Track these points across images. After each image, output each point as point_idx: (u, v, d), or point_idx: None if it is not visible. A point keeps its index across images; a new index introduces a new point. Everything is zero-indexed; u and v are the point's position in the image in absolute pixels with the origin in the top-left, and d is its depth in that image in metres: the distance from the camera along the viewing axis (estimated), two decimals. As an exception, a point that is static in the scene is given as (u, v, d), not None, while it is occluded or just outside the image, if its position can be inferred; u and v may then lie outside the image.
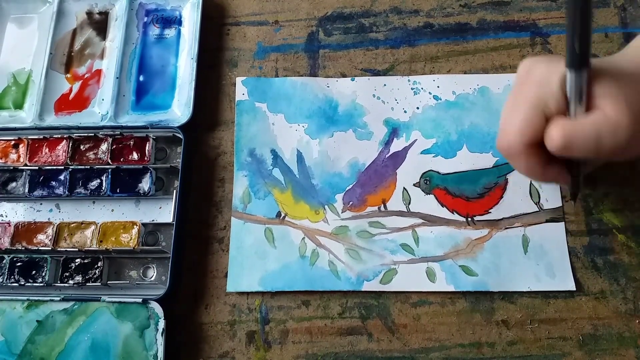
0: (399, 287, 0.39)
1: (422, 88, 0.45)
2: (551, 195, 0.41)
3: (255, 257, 0.41)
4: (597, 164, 0.38)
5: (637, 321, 0.38)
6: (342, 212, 0.42)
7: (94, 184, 0.43)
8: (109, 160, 0.43)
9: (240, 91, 0.46)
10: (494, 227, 0.41)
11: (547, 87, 0.31)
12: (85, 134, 0.44)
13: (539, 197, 0.41)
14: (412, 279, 0.40)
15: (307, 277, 0.40)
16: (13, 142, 0.44)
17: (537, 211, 0.41)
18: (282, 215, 0.42)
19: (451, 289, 0.39)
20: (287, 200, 0.42)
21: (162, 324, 0.38)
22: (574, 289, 0.39)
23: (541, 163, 0.33)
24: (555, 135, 0.31)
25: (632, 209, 0.41)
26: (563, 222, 0.41)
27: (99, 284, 0.40)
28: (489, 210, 0.41)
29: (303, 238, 0.41)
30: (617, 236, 0.40)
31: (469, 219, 0.41)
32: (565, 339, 0.38)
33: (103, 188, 0.42)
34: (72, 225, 0.42)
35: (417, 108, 0.44)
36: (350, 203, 0.42)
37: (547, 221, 0.41)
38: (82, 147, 0.44)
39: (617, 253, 0.40)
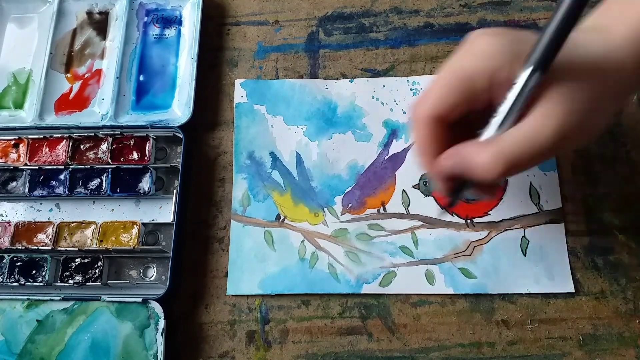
0: (398, 289, 0.40)
1: (421, 89, 0.45)
2: (551, 197, 0.41)
3: (255, 260, 0.41)
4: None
5: (637, 321, 0.38)
6: (341, 215, 0.42)
7: (94, 183, 0.43)
8: (109, 160, 0.43)
9: (239, 93, 0.45)
10: (494, 229, 0.41)
11: (482, 66, 0.27)
12: (86, 134, 0.44)
13: (539, 198, 0.41)
14: (412, 282, 0.40)
15: (307, 280, 0.40)
16: (13, 142, 0.44)
17: (536, 212, 0.41)
18: (282, 217, 0.42)
19: (450, 291, 0.39)
20: (287, 202, 0.42)
21: (162, 324, 0.38)
22: (573, 291, 0.39)
23: (438, 147, 0.30)
24: (485, 159, 0.27)
25: (632, 209, 0.41)
26: (563, 224, 0.41)
27: (99, 283, 0.40)
28: (489, 212, 0.41)
29: (302, 241, 0.41)
30: (617, 236, 0.40)
31: (469, 221, 0.41)
32: (565, 339, 0.38)
33: (103, 188, 0.42)
34: (72, 224, 0.42)
35: (417, 108, 0.44)
36: (350, 205, 0.42)
37: (546, 222, 0.41)
38: (82, 146, 0.44)
39: (617, 253, 0.40)
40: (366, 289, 0.40)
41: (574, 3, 0.25)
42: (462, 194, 0.32)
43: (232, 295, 0.40)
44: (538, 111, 0.27)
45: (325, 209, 0.42)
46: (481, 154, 0.27)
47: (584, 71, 0.28)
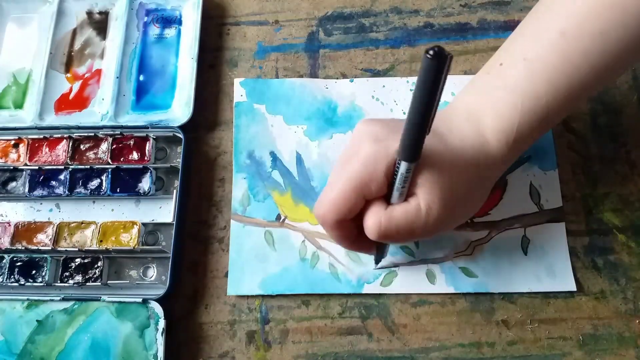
0: (399, 289, 0.39)
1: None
2: (551, 196, 0.41)
3: (256, 260, 0.41)
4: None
5: (637, 321, 0.38)
6: None
7: (94, 183, 0.43)
8: (109, 160, 0.43)
9: (239, 92, 0.45)
10: (494, 228, 0.41)
11: (374, 170, 0.31)
12: (85, 134, 0.44)
13: (539, 198, 0.41)
14: (412, 281, 0.40)
15: (308, 280, 0.40)
16: (13, 142, 0.44)
17: (537, 212, 0.41)
18: (282, 217, 0.42)
19: (451, 290, 0.39)
20: (287, 202, 0.42)
21: (162, 324, 0.38)
22: (575, 289, 0.39)
23: (351, 237, 0.34)
24: (371, 227, 0.31)
25: (632, 209, 0.41)
26: (564, 222, 0.41)
27: (99, 283, 0.40)
28: (489, 212, 0.41)
29: (303, 241, 0.41)
30: (617, 236, 0.40)
31: (469, 221, 0.41)
32: (565, 339, 0.38)
33: (103, 188, 0.42)
34: (72, 225, 0.42)
35: (417, 108, 0.44)
36: (350, 205, 0.42)
37: (547, 221, 0.41)
38: (82, 146, 0.44)
39: (617, 253, 0.40)
40: (367, 289, 0.40)
41: (422, 107, 0.26)
42: (386, 251, 0.38)
43: (232, 296, 0.40)
44: (415, 195, 0.31)
45: (326, 209, 0.42)
46: (369, 219, 0.32)
47: (455, 161, 0.32)
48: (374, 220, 0.31)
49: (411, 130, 0.27)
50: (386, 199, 0.32)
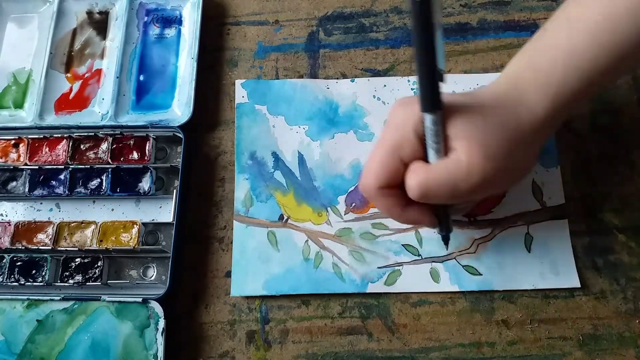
0: (403, 288, 0.39)
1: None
2: (554, 193, 0.41)
3: (259, 261, 0.41)
4: (466, 206, 0.40)
5: (637, 321, 0.38)
6: (344, 214, 0.42)
7: (94, 183, 0.43)
8: (109, 160, 0.43)
9: (240, 94, 0.45)
10: (497, 226, 0.41)
11: (403, 131, 0.31)
12: (86, 134, 0.44)
13: (542, 195, 0.41)
14: (416, 280, 0.40)
15: (312, 280, 0.40)
16: (13, 142, 0.44)
17: (540, 209, 0.41)
18: (285, 218, 0.42)
19: (455, 289, 0.39)
20: (290, 202, 0.42)
21: (162, 324, 0.38)
22: (579, 285, 0.39)
23: (400, 205, 0.33)
24: (412, 184, 0.31)
25: (632, 209, 0.41)
26: (567, 220, 0.41)
27: (99, 283, 0.40)
28: (492, 210, 0.41)
29: (306, 241, 0.41)
30: (617, 236, 0.40)
31: (472, 218, 0.41)
32: (565, 339, 0.38)
33: (103, 187, 0.42)
34: (72, 224, 0.42)
35: (418, 108, 0.44)
36: (353, 205, 0.42)
37: (550, 219, 0.41)
38: (82, 146, 0.44)
39: (617, 253, 0.40)
40: (371, 288, 0.40)
41: (423, 52, 0.26)
42: (450, 224, 0.36)
43: (232, 295, 0.40)
44: (455, 150, 0.30)
45: (329, 209, 0.42)
46: (409, 178, 0.31)
47: (493, 112, 0.30)
48: (414, 177, 0.31)
49: (422, 79, 0.28)
50: (425, 159, 0.32)
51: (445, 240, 0.39)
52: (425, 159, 0.32)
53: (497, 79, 0.34)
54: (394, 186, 0.33)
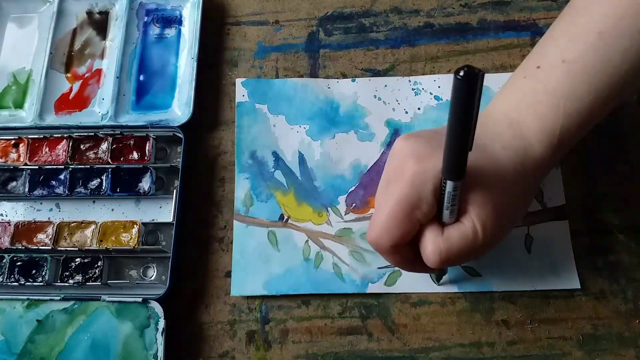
0: (403, 288, 0.39)
1: (423, 88, 0.45)
2: (555, 194, 0.41)
3: (259, 261, 0.41)
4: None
5: (637, 321, 0.38)
6: (345, 214, 0.42)
7: (94, 183, 0.43)
8: (109, 160, 0.43)
9: (240, 92, 0.45)
10: None
11: (421, 191, 0.30)
12: (86, 134, 0.44)
13: (543, 196, 0.41)
14: (416, 281, 0.40)
15: (312, 280, 0.40)
16: (13, 142, 0.44)
17: (540, 210, 0.41)
18: (285, 218, 0.42)
19: (455, 290, 0.39)
20: (290, 202, 0.42)
21: (162, 324, 0.38)
22: (579, 287, 0.39)
23: (410, 259, 0.33)
24: (430, 255, 0.31)
25: (632, 209, 0.41)
26: (567, 221, 0.40)
27: (99, 283, 0.40)
28: None
29: (307, 241, 0.41)
30: (617, 236, 0.40)
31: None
32: (565, 339, 0.38)
33: (103, 187, 0.42)
34: (72, 224, 0.42)
35: (419, 109, 0.44)
36: (354, 205, 0.42)
37: (550, 220, 0.41)
38: (82, 146, 0.44)
39: (617, 253, 0.40)
40: (371, 289, 0.39)
41: (460, 127, 0.25)
42: (446, 269, 0.38)
43: (232, 295, 0.40)
44: (468, 213, 0.30)
45: (329, 209, 0.42)
46: (428, 248, 0.31)
47: (502, 171, 0.31)
48: (434, 248, 0.30)
49: (453, 150, 0.27)
50: (437, 217, 0.31)
51: (438, 279, 0.39)
52: (435, 217, 0.31)
53: (498, 119, 0.33)
54: (403, 243, 0.32)
